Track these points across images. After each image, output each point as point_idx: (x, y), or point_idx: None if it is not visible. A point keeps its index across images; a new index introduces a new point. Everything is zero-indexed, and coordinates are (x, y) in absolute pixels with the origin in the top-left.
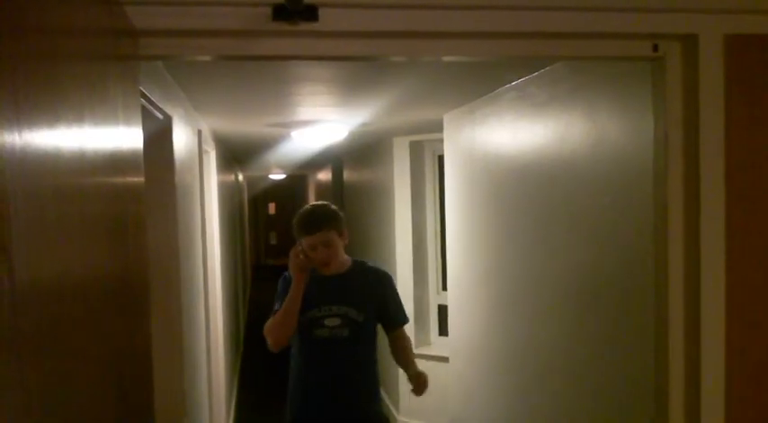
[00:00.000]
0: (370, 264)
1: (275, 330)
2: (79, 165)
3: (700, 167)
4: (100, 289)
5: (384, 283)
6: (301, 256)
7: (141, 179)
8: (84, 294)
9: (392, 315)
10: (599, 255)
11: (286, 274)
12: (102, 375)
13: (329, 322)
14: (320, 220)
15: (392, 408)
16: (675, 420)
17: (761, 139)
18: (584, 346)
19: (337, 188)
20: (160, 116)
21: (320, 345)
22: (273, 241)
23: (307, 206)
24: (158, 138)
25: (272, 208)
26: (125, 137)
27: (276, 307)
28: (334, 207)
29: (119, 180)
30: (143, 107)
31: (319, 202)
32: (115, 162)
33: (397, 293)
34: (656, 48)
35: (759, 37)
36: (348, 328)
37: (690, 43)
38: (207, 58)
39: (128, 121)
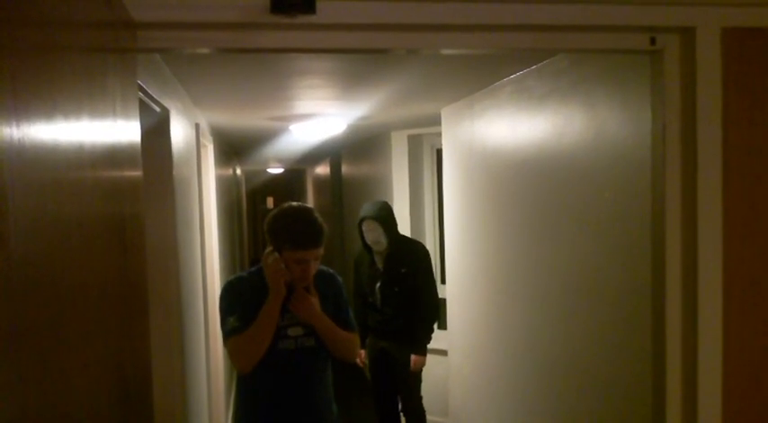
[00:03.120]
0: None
1: (248, 349)
2: (77, 157)
3: (697, 159)
4: (98, 282)
5: (333, 283)
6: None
7: (139, 173)
8: (82, 288)
9: (344, 317)
10: (598, 248)
11: (231, 280)
12: (101, 370)
13: (293, 332)
14: (320, 234)
15: None
16: (673, 412)
17: (758, 131)
18: (582, 339)
19: (335, 182)
20: (158, 109)
21: (284, 358)
22: None
23: (291, 210)
24: (156, 131)
25: (270, 202)
26: (123, 130)
27: (235, 322)
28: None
29: (116, 173)
30: (141, 100)
31: (305, 207)
32: (113, 155)
33: (345, 294)
34: (653, 41)
35: (756, 30)
36: (314, 337)
37: (687, 36)
38: (205, 50)
39: (126, 115)
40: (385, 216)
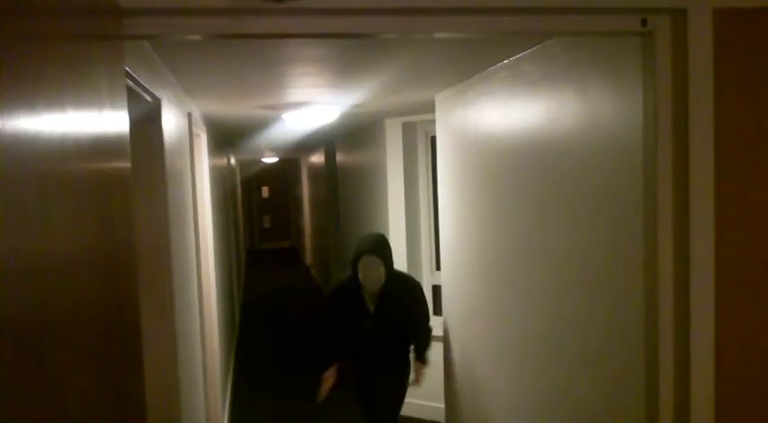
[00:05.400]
0: None
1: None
2: (61, 148)
3: (689, 141)
4: (84, 274)
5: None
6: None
7: (128, 164)
8: (67, 279)
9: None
10: (591, 232)
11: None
12: (88, 359)
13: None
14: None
15: None
16: (666, 398)
17: (750, 113)
18: (576, 322)
19: (331, 171)
20: (149, 98)
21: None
22: (267, 225)
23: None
24: (147, 121)
25: (265, 191)
26: (110, 120)
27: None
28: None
29: (103, 165)
30: (131, 89)
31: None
32: (100, 146)
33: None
34: (644, 22)
35: (747, 10)
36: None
37: (679, 17)
38: (193, 37)
39: (113, 104)
40: (386, 251)
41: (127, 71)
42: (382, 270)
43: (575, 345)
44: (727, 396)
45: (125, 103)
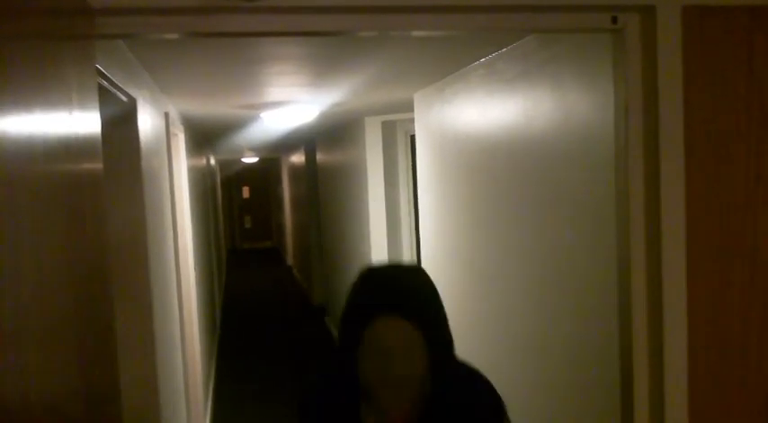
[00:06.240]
0: None
1: None
2: (29, 150)
3: (659, 136)
4: (54, 277)
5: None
6: None
7: (99, 165)
8: (38, 281)
9: None
10: (568, 228)
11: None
12: (60, 358)
13: None
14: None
15: None
16: (640, 391)
17: (719, 108)
18: (554, 314)
19: (311, 170)
20: (124, 98)
21: None
22: (248, 225)
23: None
24: (123, 121)
25: (246, 191)
26: (81, 121)
27: None
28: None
29: (74, 166)
30: (105, 90)
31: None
32: (70, 147)
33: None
34: (615, 20)
35: (715, 8)
36: None
37: (648, 15)
38: (166, 36)
39: (83, 105)
40: (431, 309)
41: (101, 71)
42: (421, 357)
43: (554, 335)
44: (700, 376)
45: (96, 104)
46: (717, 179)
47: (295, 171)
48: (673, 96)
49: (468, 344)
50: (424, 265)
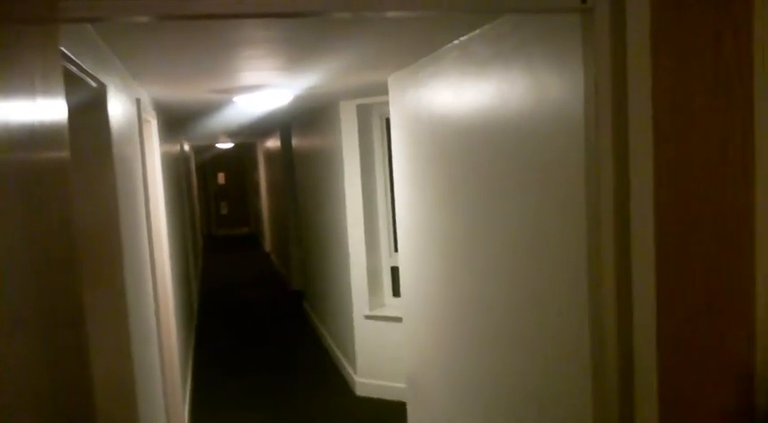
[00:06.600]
0: None
1: None
2: None
3: (628, 114)
4: (16, 268)
5: None
6: None
7: (66, 153)
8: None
9: None
10: (542, 211)
11: None
12: (24, 350)
13: None
14: None
15: (349, 368)
16: (611, 369)
17: (686, 87)
18: (527, 298)
19: (287, 155)
20: (93, 84)
21: None
22: (224, 211)
23: None
24: (92, 108)
25: (221, 178)
26: (44, 108)
27: None
28: None
29: (38, 155)
30: (73, 76)
31: None
32: (34, 135)
33: None
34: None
35: None
36: None
37: None
38: (134, 19)
39: (47, 92)
40: None
41: (69, 57)
42: None
43: (523, 325)
44: (669, 350)
45: (62, 91)
46: (684, 155)
47: (271, 156)
48: (641, 74)
49: (444, 326)
50: (400, 248)
